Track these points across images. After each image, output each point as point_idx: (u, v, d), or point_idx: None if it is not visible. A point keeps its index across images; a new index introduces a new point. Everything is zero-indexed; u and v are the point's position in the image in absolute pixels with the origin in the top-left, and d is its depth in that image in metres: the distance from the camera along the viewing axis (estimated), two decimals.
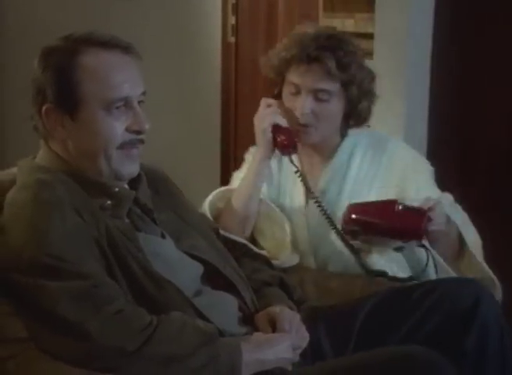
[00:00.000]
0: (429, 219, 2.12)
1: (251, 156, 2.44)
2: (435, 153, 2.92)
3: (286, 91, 2.34)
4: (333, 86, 2.28)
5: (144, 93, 1.86)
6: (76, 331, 1.64)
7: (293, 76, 2.30)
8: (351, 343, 1.99)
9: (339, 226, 2.25)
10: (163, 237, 1.93)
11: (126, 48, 1.83)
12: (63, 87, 1.79)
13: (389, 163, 2.36)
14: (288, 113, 2.32)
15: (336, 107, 2.31)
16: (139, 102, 1.84)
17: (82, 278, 1.67)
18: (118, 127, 1.81)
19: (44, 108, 1.81)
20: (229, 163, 4.29)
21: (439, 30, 3.26)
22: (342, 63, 2.26)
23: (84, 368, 1.64)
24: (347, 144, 2.39)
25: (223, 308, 1.88)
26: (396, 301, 2.01)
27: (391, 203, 2.17)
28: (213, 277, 1.94)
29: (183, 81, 4.31)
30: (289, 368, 1.81)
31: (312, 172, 2.42)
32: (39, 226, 1.70)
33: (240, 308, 1.92)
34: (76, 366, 1.64)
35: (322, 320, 2.03)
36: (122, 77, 1.81)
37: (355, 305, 2.06)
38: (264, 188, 2.42)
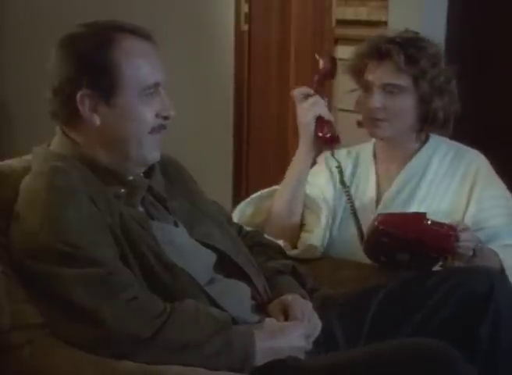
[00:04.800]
0: (457, 239, 2.11)
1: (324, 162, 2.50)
2: None
3: (361, 91, 2.40)
4: (403, 81, 2.33)
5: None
6: (90, 318, 1.65)
7: (366, 74, 2.36)
8: (364, 331, 1.98)
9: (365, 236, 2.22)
10: (176, 225, 1.93)
11: (149, 36, 1.86)
12: (102, 71, 1.79)
13: (464, 172, 2.38)
14: (363, 112, 2.38)
15: (407, 102, 2.35)
16: None
17: (97, 265, 1.68)
18: (149, 113, 1.83)
19: (79, 94, 1.79)
20: (242, 151, 4.30)
21: (453, 18, 3.25)
22: (411, 57, 2.31)
23: (98, 354, 1.64)
24: (426, 150, 2.42)
25: (236, 296, 1.88)
26: (409, 289, 2.01)
27: (420, 216, 2.15)
28: (226, 265, 1.94)
29: (196, 69, 4.31)
30: (302, 356, 1.82)
31: (387, 176, 2.44)
32: (53, 214, 1.71)
33: (253, 297, 1.92)
34: (90, 352, 1.65)
35: (335, 308, 2.03)
36: (152, 63, 1.84)
37: (368, 293, 2.05)
38: (331, 188, 2.46)
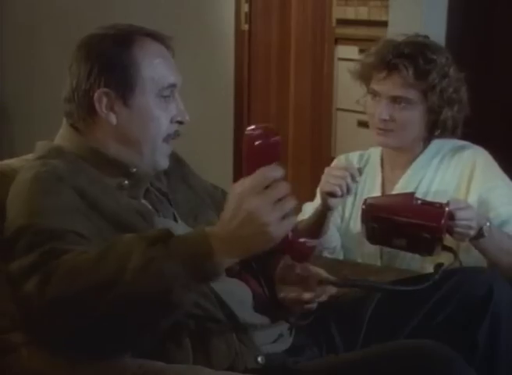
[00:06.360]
0: (451, 217, 2.06)
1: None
2: None
3: (369, 96, 2.38)
4: (412, 94, 2.30)
5: None
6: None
7: (374, 83, 2.34)
8: (362, 334, 1.98)
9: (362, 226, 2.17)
10: (175, 220, 1.92)
11: (167, 41, 1.87)
12: (121, 70, 1.79)
13: (462, 168, 2.36)
14: (370, 118, 2.37)
15: (415, 115, 2.33)
16: None
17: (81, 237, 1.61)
18: (164, 118, 1.82)
19: (97, 92, 1.78)
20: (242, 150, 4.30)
21: (453, 18, 3.25)
22: (420, 71, 2.28)
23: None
24: (426, 153, 2.41)
25: (238, 295, 1.86)
26: (407, 291, 2.00)
27: (408, 197, 2.12)
28: None
29: (197, 69, 4.31)
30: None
31: (392, 180, 2.44)
32: (34, 201, 1.67)
33: (254, 297, 1.91)
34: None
35: (333, 311, 2.02)
36: (169, 65, 1.85)
37: (365, 295, 2.04)
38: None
